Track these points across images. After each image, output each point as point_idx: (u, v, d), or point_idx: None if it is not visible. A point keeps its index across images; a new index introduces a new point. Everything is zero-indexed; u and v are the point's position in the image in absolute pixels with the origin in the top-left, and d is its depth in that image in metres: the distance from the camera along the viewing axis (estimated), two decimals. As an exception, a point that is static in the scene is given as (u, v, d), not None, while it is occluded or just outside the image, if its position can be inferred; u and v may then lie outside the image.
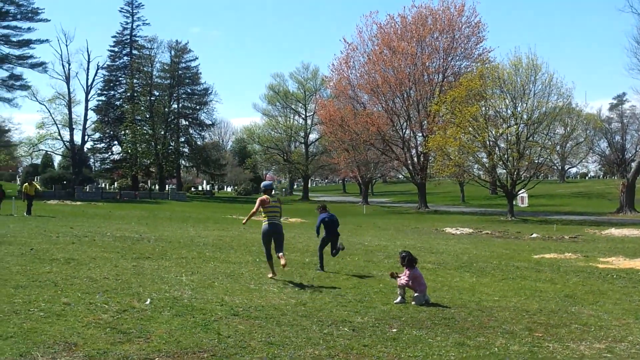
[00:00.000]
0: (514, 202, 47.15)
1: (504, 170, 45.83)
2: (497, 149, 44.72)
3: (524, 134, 43.12)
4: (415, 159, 59.01)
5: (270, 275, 12.29)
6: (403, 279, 10.07)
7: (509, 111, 44.09)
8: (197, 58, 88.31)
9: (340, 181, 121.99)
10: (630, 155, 73.70)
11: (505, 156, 44.01)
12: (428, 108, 54.44)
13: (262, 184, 13.13)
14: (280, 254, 11.99)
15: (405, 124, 58.91)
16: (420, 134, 57.85)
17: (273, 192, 13.31)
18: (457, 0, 55.20)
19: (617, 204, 51.35)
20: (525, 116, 43.23)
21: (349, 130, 58.80)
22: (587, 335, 8.07)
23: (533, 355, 7.08)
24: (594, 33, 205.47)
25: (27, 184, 32.70)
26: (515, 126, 43.37)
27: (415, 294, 10.01)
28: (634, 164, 56.15)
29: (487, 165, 45.68)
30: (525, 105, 43.34)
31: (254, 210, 12.13)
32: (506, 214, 45.22)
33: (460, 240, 24.72)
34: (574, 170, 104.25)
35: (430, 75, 56.51)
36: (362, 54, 60.70)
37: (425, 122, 55.37)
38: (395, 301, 10.02)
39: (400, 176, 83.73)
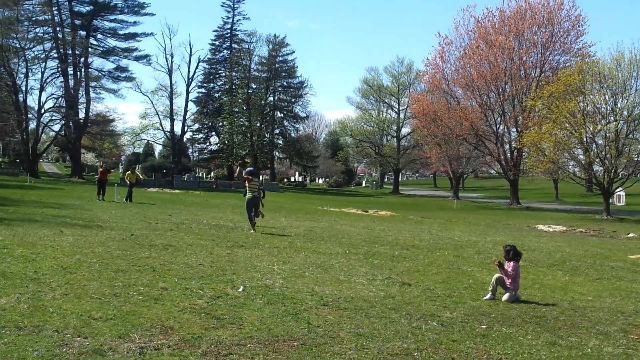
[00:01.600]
0: (610, 201, 45.35)
1: (601, 168, 44.16)
2: (594, 145, 43.17)
3: (624, 131, 41.45)
4: (509, 155, 57.81)
5: (252, 231, 18.17)
6: (509, 270, 9.94)
7: (608, 107, 42.47)
8: (293, 52, 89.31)
9: (431, 175, 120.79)
10: None
11: (603, 153, 42.44)
12: (523, 103, 53.33)
13: (247, 169, 19.79)
14: (257, 212, 18.90)
15: (499, 119, 57.79)
16: (515, 130, 56.66)
17: (258, 176, 20.89)
18: (557, -6, 53.54)
19: None
20: (625, 113, 41.57)
21: (442, 124, 58.27)
22: (687, 341, 7.73)
23: (628, 357, 6.89)
24: None
25: (129, 172, 33.60)
26: (614, 123, 41.65)
27: (508, 292, 9.87)
28: None
29: (583, 162, 44.09)
30: (626, 101, 41.71)
31: (245, 183, 18.90)
32: (601, 212, 43.54)
33: (552, 238, 24.06)
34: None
35: (527, 70, 55.22)
36: (457, 48, 59.93)
37: (520, 117, 54.20)
38: (485, 297, 9.92)
39: (492, 171, 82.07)
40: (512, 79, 54.50)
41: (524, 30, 53.93)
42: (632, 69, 41.04)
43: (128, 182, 31.96)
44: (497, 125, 58.10)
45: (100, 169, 33.73)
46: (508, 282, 9.91)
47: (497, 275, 10.04)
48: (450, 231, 24.58)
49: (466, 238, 21.28)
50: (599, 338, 7.62)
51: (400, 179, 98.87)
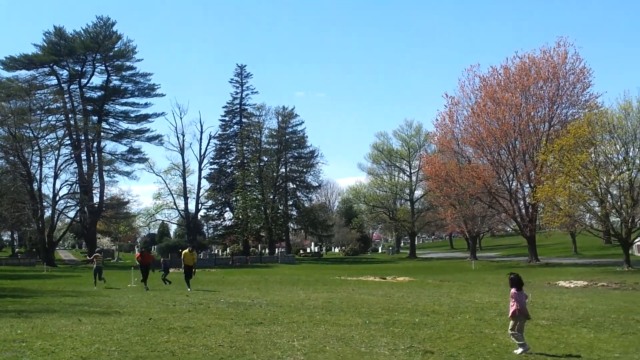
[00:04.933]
0: (630, 252, 44.68)
1: (618, 219, 43.70)
2: (609, 196, 42.85)
3: (638, 180, 41.33)
4: (524, 211, 57.59)
5: (95, 288, 28.04)
6: (513, 304, 10.35)
7: (620, 157, 42.35)
8: (303, 122, 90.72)
9: (447, 237, 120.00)
10: None
11: (619, 204, 42.14)
12: (535, 158, 53.46)
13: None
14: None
15: (511, 175, 57.95)
16: (528, 185, 56.64)
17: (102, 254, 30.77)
18: (560, 49, 54.35)
19: None
20: (638, 161, 41.52)
21: (455, 184, 58.57)
22: None
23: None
24: None
25: (187, 251, 29.44)
26: (627, 172, 41.47)
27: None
28: None
29: (599, 214, 43.70)
30: (637, 150, 41.61)
31: (94, 259, 30.25)
32: (622, 264, 42.62)
33: (574, 294, 23.70)
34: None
35: (536, 125, 55.52)
36: (465, 107, 60.73)
37: (533, 172, 54.22)
38: (516, 352, 10.16)
39: (508, 229, 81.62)
40: (521, 135, 54.85)
41: (529, 86, 54.49)
42: (641, 117, 41.13)
43: (185, 264, 28.67)
44: (510, 182, 58.12)
45: (139, 253, 30.70)
46: (512, 307, 10.34)
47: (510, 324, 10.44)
48: (470, 293, 24.27)
49: (487, 300, 20.98)
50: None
51: (416, 243, 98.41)
